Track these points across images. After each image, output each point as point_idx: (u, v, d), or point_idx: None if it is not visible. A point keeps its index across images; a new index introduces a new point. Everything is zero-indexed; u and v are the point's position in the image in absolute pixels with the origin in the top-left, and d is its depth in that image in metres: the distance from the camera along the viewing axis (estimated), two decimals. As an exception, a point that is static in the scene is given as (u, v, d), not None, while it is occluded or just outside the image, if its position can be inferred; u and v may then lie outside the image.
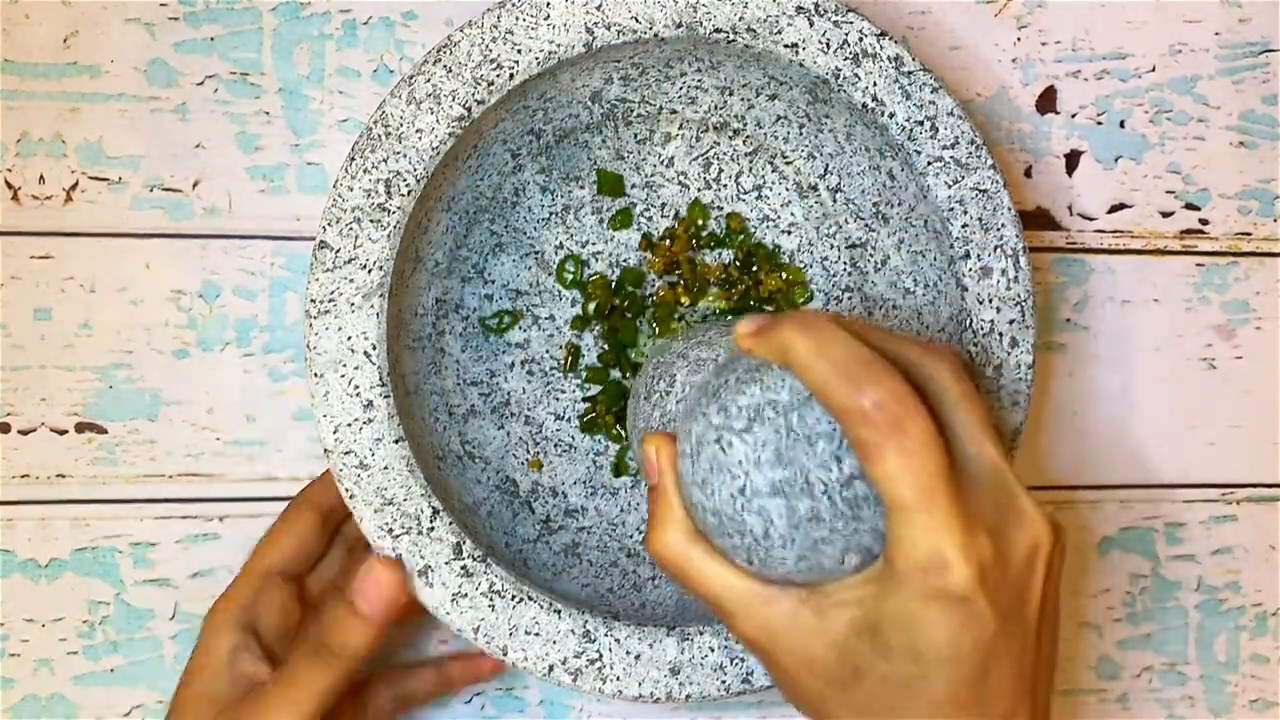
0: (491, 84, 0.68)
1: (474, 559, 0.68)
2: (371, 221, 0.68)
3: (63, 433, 0.76)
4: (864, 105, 0.70)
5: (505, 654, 0.68)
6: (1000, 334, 0.71)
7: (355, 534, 0.73)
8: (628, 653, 0.69)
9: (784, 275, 0.77)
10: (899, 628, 0.55)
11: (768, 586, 0.59)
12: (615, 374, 0.77)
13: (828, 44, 0.70)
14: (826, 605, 0.58)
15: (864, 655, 0.57)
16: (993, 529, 0.56)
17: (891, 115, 0.70)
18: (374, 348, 0.68)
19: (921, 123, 0.70)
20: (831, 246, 0.77)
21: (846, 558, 0.57)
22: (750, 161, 0.77)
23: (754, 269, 0.77)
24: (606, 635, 0.69)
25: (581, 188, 0.77)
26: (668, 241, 0.77)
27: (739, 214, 0.77)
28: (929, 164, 0.70)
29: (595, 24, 0.68)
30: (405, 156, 0.68)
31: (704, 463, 0.59)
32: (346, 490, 0.68)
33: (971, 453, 0.57)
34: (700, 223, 0.77)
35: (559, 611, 0.69)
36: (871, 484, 0.56)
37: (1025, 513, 0.57)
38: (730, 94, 0.74)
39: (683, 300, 0.77)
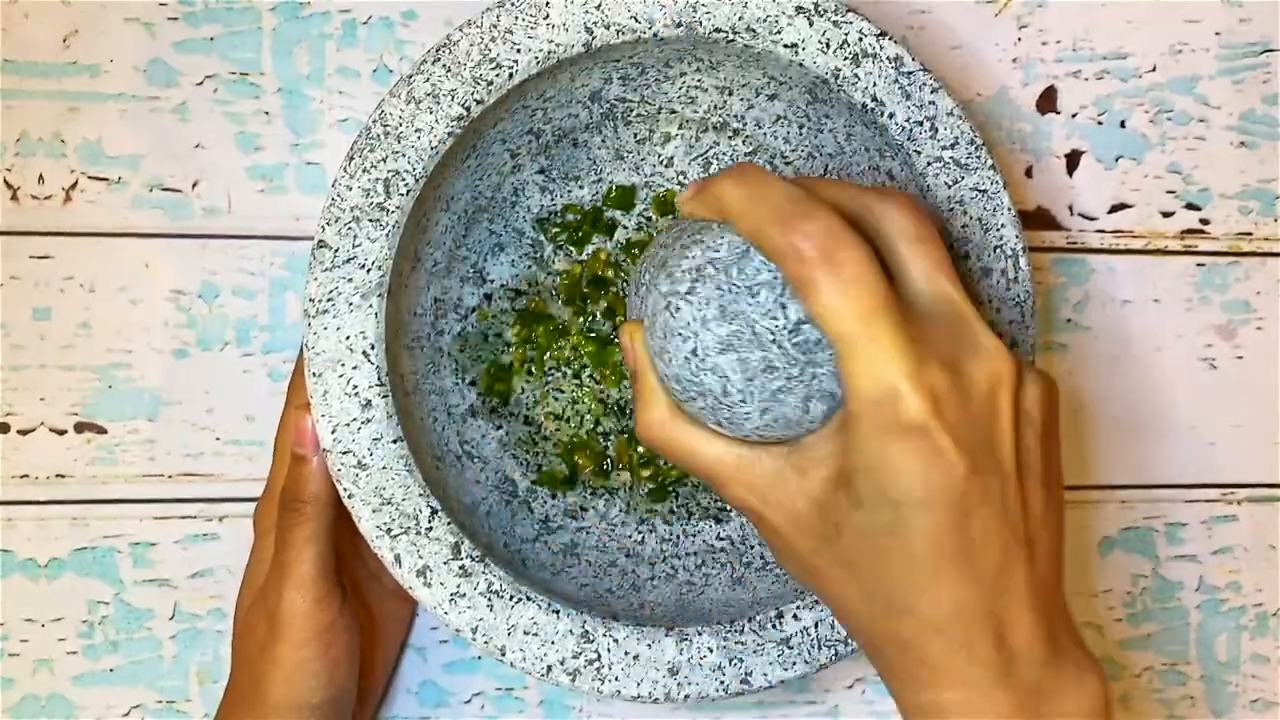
0: (491, 83, 0.68)
1: (472, 559, 0.68)
2: (370, 221, 0.68)
3: (62, 433, 0.76)
4: (864, 105, 0.70)
5: (504, 654, 0.68)
6: (1000, 334, 0.70)
7: None
8: (626, 653, 0.69)
9: None
10: (866, 473, 0.54)
11: (753, 449, 0.59)
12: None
13: (827, 44, 0.70)
14: (806, 461, 0.57)
15: (841, 507, 0.56)
16: (946, 360, 0.54)
17: (891, 115, 0.70)
18: (372, 347, 0.68)
19: (921, 123, 0.70)
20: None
21: (810, 406, 0.57)
22: (750, 162, 0.77)
23: None
24: (605, 635, 0.69)
25: (581, 188, 0.77)
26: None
27: None
28: (929, 164, 0.70)
29: (595, 23, 0.68)
30: (404, 156, 0.68)
31: (659, 332, 0.59)
32: (345, 490, 0.68)
33: (925, 290, 0.56)
34: None
35: (557, 612, 0.69)
36: (817, 327, 0.56)
37: (984, 346, 0.55)
38: (730, 94, 0.74)
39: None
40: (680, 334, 0.58)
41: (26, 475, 0.76)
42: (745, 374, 0.57)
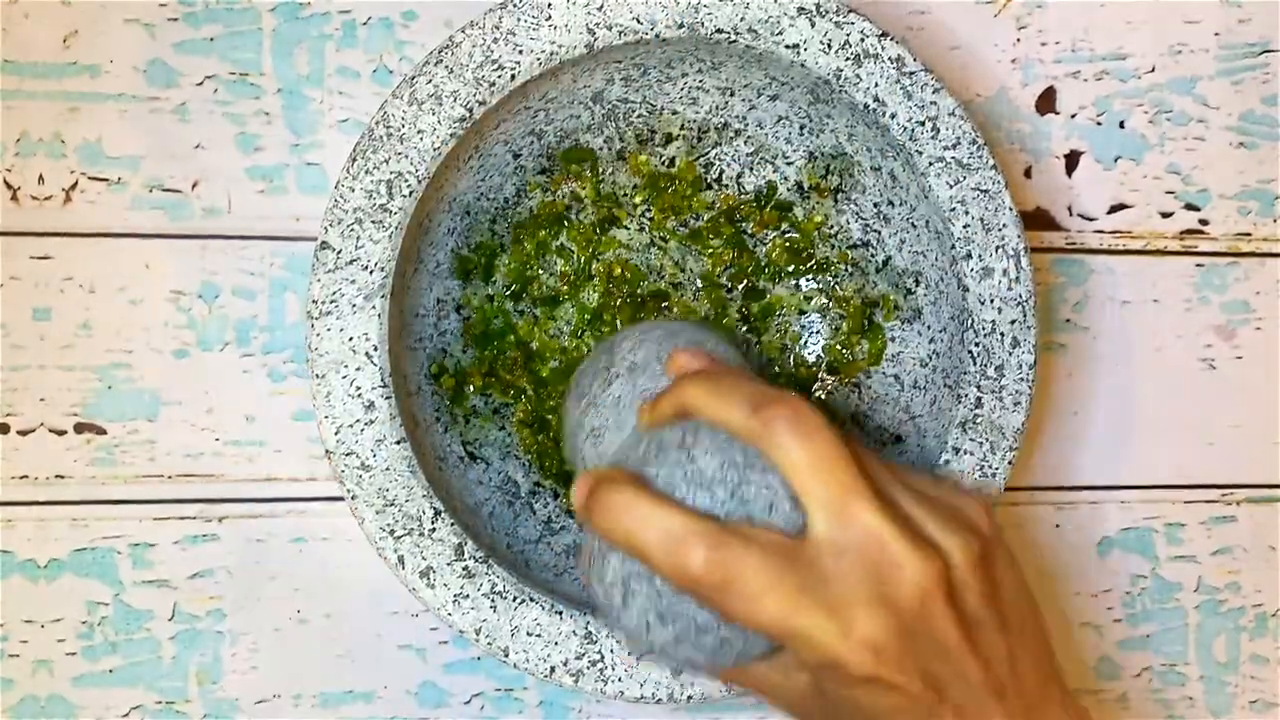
0: (493, 85, 0.68)
1: (476, 560, 0.68)
2: (373, 222, 0.68)
3: (62, 433, 0.76)
4: (865, 106, 0.70)
5: (507, 655, 0.68)
6: (1002, 334, 0.71)
7: None
8: (629, 653, 0.69)
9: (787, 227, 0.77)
10: (841, 700, 0.56)
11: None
12: None
13: (829, 44, 0.70)
14: (788, 666, 0.58)
15: (828, 711, 0.57)
16: (872, 600, 0.54)
17: (893, 116, 0.70)
18: (375, 348, 0.68)
19: (923, 123, 0.70)
20: (832, 247, 0.77)
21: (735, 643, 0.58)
22: (751, 162, 0.76)
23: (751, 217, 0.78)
24: (608, 636, 0.69)
25: (583, 188, 0.77)
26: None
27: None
28: (930, 164, 0.70)
29: (597, 25, 0.68)
30: (407, 157, 0.68)
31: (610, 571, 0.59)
32: (348, 491, 0.67)
33: (830, 529, 0.55)
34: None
35: (560, 612, 0.69)
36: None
37: (897, 564, 0.55)
38: (731, 94, 0.74)
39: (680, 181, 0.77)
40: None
41: (26, 476, 0.76)
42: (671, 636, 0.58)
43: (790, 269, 0.77)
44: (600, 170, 0.76)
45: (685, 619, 0.57)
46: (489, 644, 0.68)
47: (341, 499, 0.76)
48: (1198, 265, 0.83)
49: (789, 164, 0.76)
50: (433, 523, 0.68)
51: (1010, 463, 0.71)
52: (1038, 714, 0.58)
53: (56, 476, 0.76)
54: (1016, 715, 0.57)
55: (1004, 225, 0.71)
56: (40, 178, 0.75)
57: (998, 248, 0.71)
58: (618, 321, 0.76)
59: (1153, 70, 0.83)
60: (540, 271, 0.76)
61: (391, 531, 0.68)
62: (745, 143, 0.76)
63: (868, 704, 0.55)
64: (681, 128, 0.76)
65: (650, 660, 0.61)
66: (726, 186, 0.77)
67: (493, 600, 0.68)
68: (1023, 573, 0.59)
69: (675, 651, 0.58)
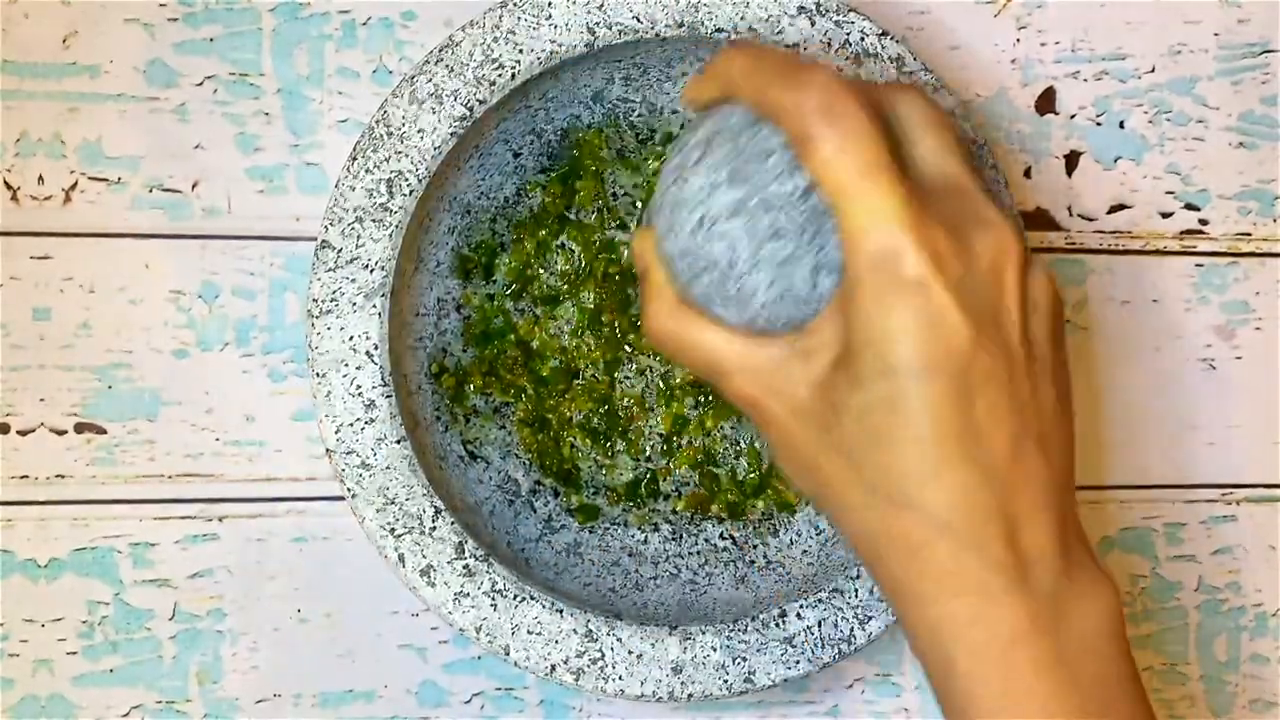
0: (493, 84, 0.68)
1: (476, 558, 0.68)
2: (373, 221, 0.68)
3: (62, 433, 0.76)
4: (865, 105, 0.70)
5: (508, 654, 0.68)
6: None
7: None
8: (630, 652, 0.69)
9: None
10: (865, 345, 0.52)
11: (758, 338, 0.57)
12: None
13: (829, 44, 0.70)
14: (810, 345, 0.55)
15: (841, 389, 0.53)
16: (950, 225, 0.52)
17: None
18: (376, 347, 0.68)
19: (923, 122, 0.70)
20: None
21: (819, 280, 0.56)
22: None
23: None
24: (609, 634, 0.69)
25: (583, 190, 0.77)
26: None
27: None
28: (930, 163, 0.70)
29: (597, 24, 0.68)
30: (407, 156, 0.68)
31: (666, 210, 0.59)
32: (348, 490, 0.68)
33: (932, 165, 0.55)
34: None
35: (561, 611, 0.69)
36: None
37: (991, 221, 0.53)
38: (732, 93, 0.74)
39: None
40: (688, 204, 0.57)
41: (26, 475, 0.76)
42: (754, 240, 0.56)
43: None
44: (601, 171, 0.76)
45: (753, 185, 0.56)
46: (489, 642, 0.68)
47: (341, 498, 0.76)
48: (1198, 265, 0.83)
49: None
50: (433, 521, 0.68)
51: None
52: (1069, 514, 0.54)
53: (56, 476, 0.76)
54: (1051, 494, 0.53)
55: (1004, 224, 0.71)
56: (40, 178, 0.75)
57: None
58: (616, 322, 0.76)
59: (1152, 70, 0.83)
60: (541, 270, 0.76)
61: (392, 530, 0.68)
62: (745, 142, 0.76)
63: (899, 329, 0.51)
64: (682, 127, 0.76)
65: (682, 258, 0.58)
66: None
67: (493, 599, 0.68)
68: None
69: (724, 228, 0.56)
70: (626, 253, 0.74)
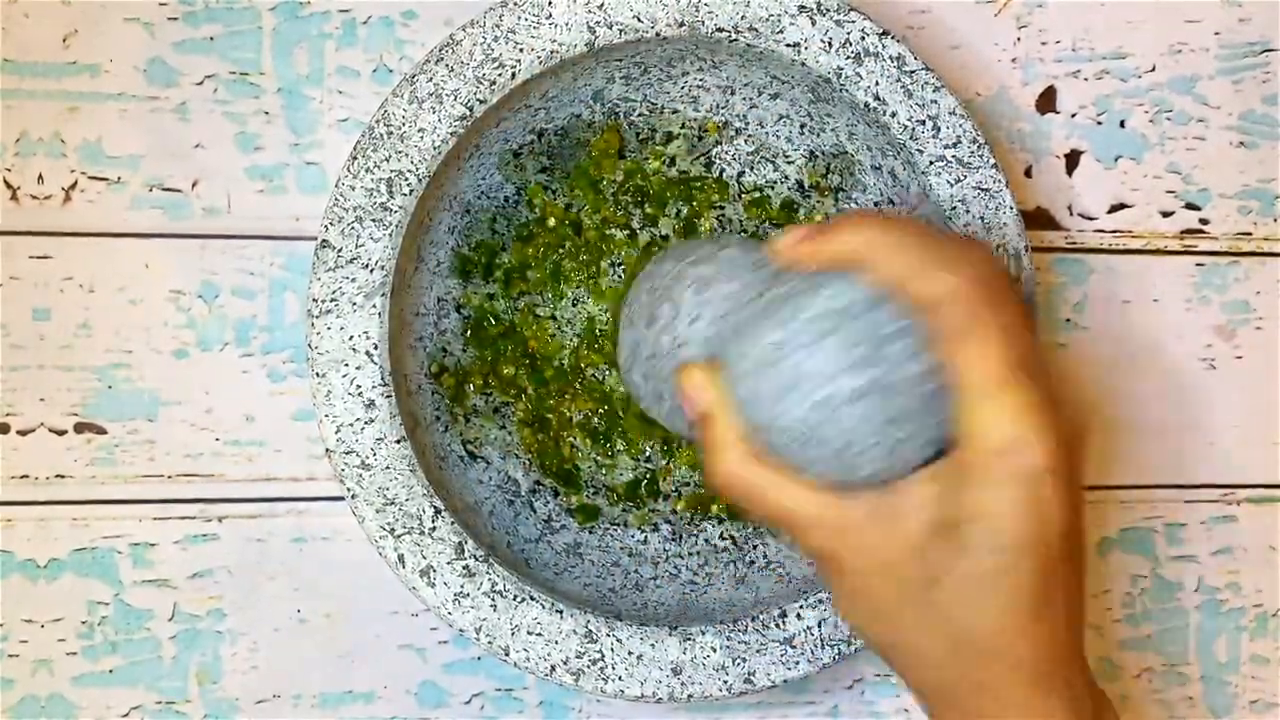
0: (494, 83, 0.68)
1: (476, 559, 0.68)
2: (373, 221, 0.68)
3: (62, 433, 0.76)
4: (866, 104, 0.70)
5: (507, 654, 0.68)
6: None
7: None
8: (630, 653, 0.69)
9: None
10: (978, 518, 0.54)
11: (839, 495, 0.58)
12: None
13: (830, 43, 0.70)
14: (902, 507, 0.56)
15: (943, 555, 0.55)
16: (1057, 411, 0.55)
17: (894, 114, 0.70)
18: (376, 347, 0.68)
19: (923, 122, 0.70)
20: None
21: (923, 453, 0.57)
22: (752, 161, 0.76)
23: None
24: (608, 635, 0.69)
25: (582, 193, 0.77)
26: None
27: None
28: (931, 163, 0.70)
29: (597, 23, 0.68)
30: (407, 155, 0.68)
31: (772, 381, 0.57)
32: (348, 490, 0.67)
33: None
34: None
35: (561, 611, 0.69)
36: (945, 375, 0.55)
37: (1065, 401, 0.57)
38: (732, 93, 0.74)
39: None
40: (805, 383, 0.56)
41: (26, 475, 0.76)
42: (873, 425, 0.56)
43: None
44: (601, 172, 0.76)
45: (877, 370, 0.56)
46: (489, 643, 0.68)
47: (341, 498, 0.76)
48: (1198, 265, 0.83)
49: (790, 163, 0.76)
50: (433, 521, 0.68)
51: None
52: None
53: (56, 476, 0.76)
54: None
55: (1005, 224, 0.71)
56: (40, 177, 0.75)
57: (999, 247, 0.71)
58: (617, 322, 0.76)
59: (1153, 70, 0.83)
60: (541, 270, 0.76)
61: (391, 530, 0.68)
62: (746, 141, 0.76)
63: (1018, 513, 0.54)
64: (682, 126, 0.76)
65: (783, 433, 0.58)
66: (728, 186, 0.77)
67: (493, 599, 0.68)
68: None
69: (845, 412, 0.56)
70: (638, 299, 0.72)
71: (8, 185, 0.75)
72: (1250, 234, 0.84)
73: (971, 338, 0.54)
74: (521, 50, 0.68)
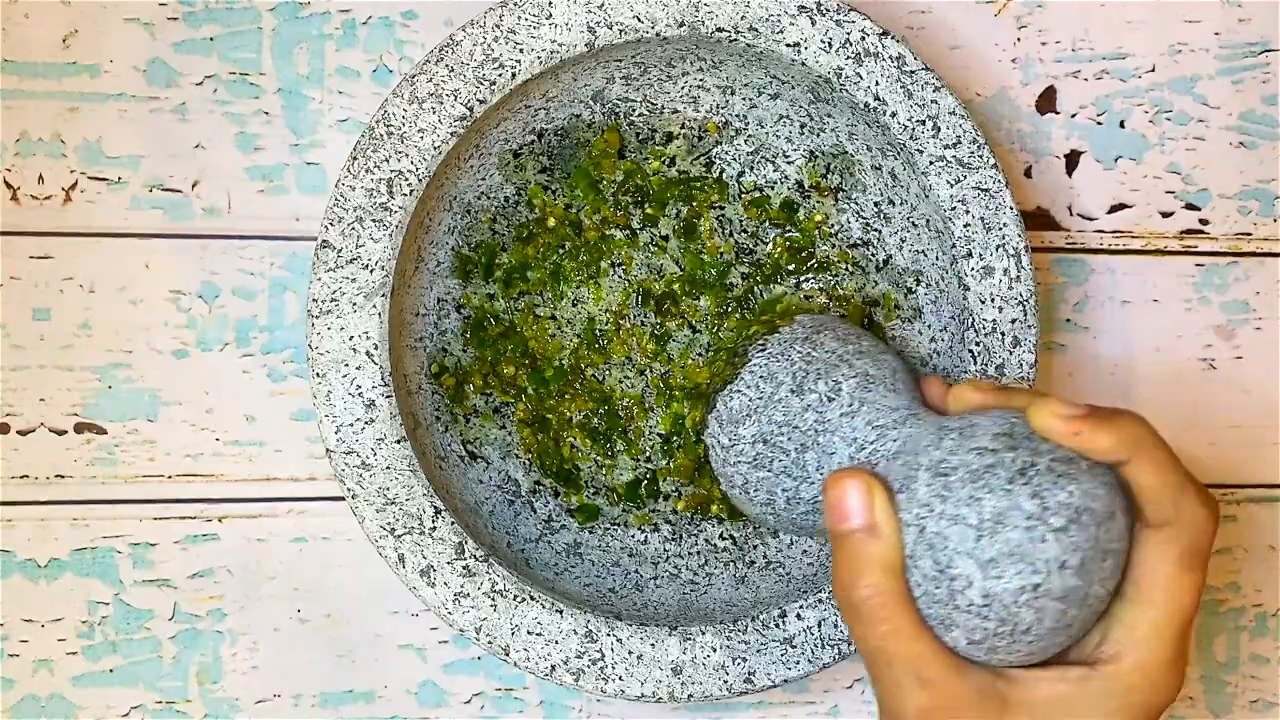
0: (493, 83, 0.68)
1: (476, 559, 0.68)
2: (374, 221, 0.68)
3: (62, 433, 0.76)
4: (866, 105, 0.70)
5: (507, 654, 0.68)
6: (1002, 333, 0.71)
7: None
8: (630, 652, 0.69)
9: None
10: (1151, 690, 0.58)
11: (958, 662, 0.57)
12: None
13: (830, 43, 0.70)
14: (1016, 699, 0.57)
15: None
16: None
17: (894, 114, 0.70)
18: (376, 347, 0.68)
19: (924, 122, 0.70)
20: (833, 246, 0.77)
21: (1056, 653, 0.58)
22: (752, 161, 0.76)
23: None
24: (608, 635, 0.69)
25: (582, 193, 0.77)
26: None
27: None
28: (931, 163, 0.70)
29: (597, 23, 0.68)
30: (407, 156, 0.68)
31: (998, 544, 0.56)
32: (348, 490, 0.67)
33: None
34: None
35: (561, 611, 0.69)
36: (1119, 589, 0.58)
37: None
38: (732, 93, 0.74)
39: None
40: (1030, 564, 0.55)
41: (26, 475, 0.76)
42: (1055, 625, 0.56)
43: (791, 268, 0.77)
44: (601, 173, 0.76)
45: (1089, 581, 0.56)
46: (489, 643, 0.68)
47: (341, 499, 0.76)
48: (1198, 265, 0.83)
49: (789, 163, 0.76)
50: (433, 521, 0.68)
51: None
52: None
53: (56, 476, 0.76)
54: None
55: (1005, 224, 0.71)
56: (40, 177, 0.75)
57: (998, 247, 0.71)
58: (617, 322, 0.76)
59: (1153, 70, 0.83)
60: (541, 270, 0.76)
61: (392, 530, 0.68)
62: (746, 141, 0.76)
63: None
64: (682, 126, 0.76)
65: (969, 609, 0.57)
66: (728, 186, 0.77)
67: (493, 599, 0.68)
68: None
69: (1045, 604, 0.56)
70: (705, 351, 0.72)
71: (8, 185, 0.75)
72: (1250, 234, 0.84)
73: (1188, 579, 0.57)
74: (521, 50, 0.68)
